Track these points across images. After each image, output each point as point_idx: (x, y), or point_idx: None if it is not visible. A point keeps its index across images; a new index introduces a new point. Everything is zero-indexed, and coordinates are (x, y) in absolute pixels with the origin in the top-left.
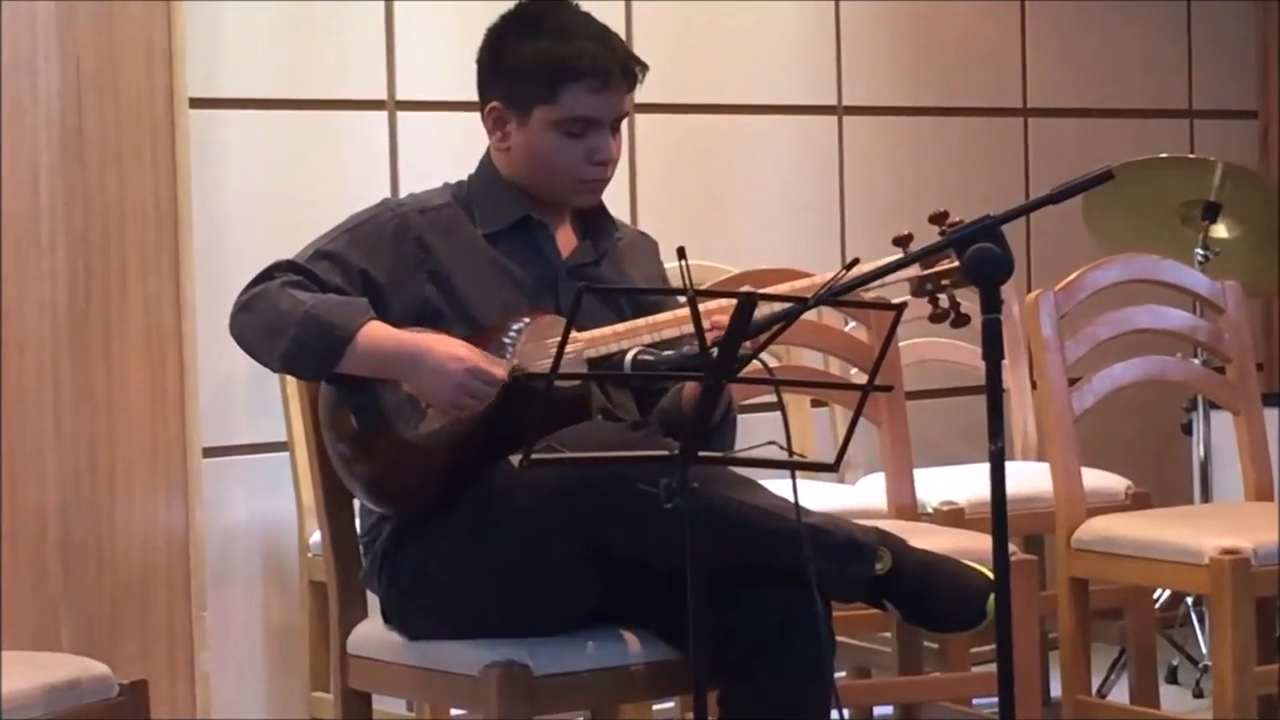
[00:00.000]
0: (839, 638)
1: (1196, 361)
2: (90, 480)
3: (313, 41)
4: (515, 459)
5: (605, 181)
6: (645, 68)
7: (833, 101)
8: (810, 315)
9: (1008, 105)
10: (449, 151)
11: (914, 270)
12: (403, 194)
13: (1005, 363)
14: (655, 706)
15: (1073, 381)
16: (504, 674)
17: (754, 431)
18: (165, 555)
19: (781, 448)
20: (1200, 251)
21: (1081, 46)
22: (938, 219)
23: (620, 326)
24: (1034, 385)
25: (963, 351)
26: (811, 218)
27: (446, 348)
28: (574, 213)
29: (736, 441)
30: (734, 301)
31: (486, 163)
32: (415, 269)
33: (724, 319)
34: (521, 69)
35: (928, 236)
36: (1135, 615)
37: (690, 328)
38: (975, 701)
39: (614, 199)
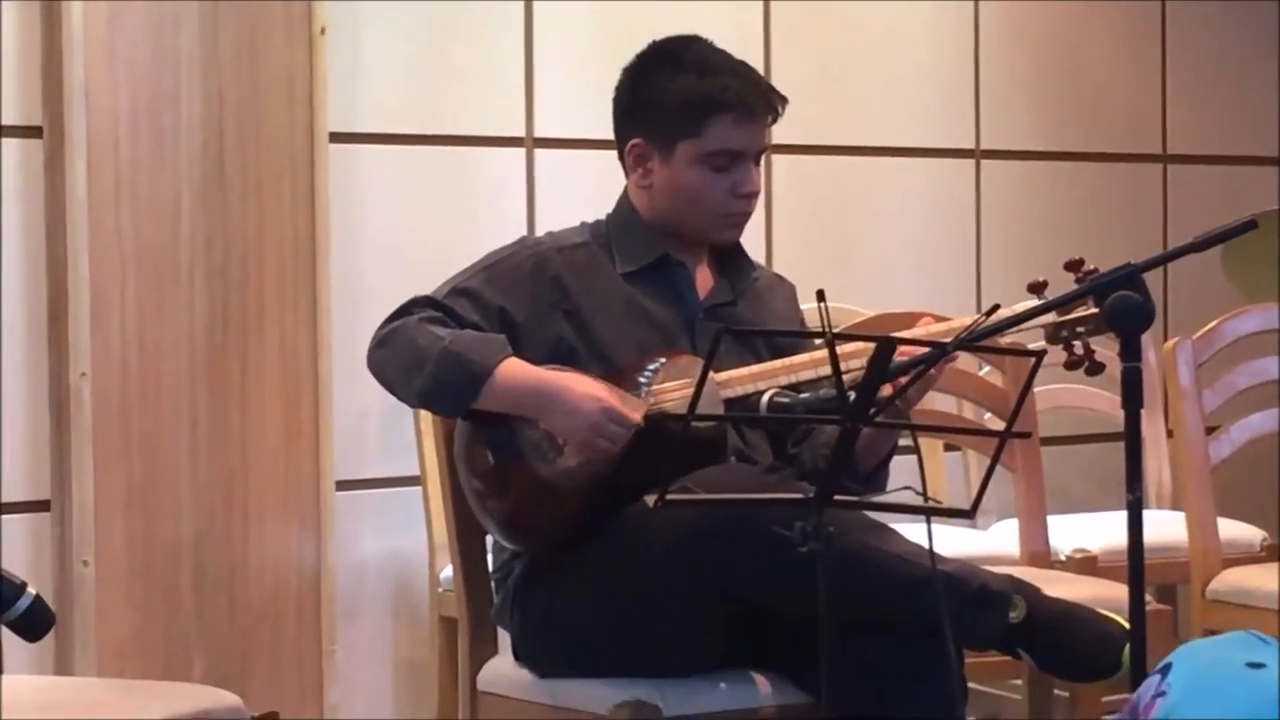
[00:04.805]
0: (969, 684)
1: None
2: (224, 513)
3: (451, 78)
4: (650, 499)
5: (749, 215)
6: (785, 101)
7: (971, 145)
8: None
9: (1147, 151)
10: (585, 189)
11: (1052, 316)
12: (538, 231)
13: (1142, 411)
14: None
15: (1210, 430)
16: (634, 713)
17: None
18: (296, 588)
19: (917, 493)
20: None
21: (1222, 93)
22: (1073, 266)
23: (756, 368)
24: (1170, 434)
25: (1098, 399)
26: (947, 261)
27: (584, 387)
28: (711, 252)
29: None
30: (871, 345)
31: (625, 201)
32: (551, 308)
33: (860, 362)
34: (665, 104)
35: (1063, 283)
36: None
37: (827, 370)
38: None
39: (749, 239)
